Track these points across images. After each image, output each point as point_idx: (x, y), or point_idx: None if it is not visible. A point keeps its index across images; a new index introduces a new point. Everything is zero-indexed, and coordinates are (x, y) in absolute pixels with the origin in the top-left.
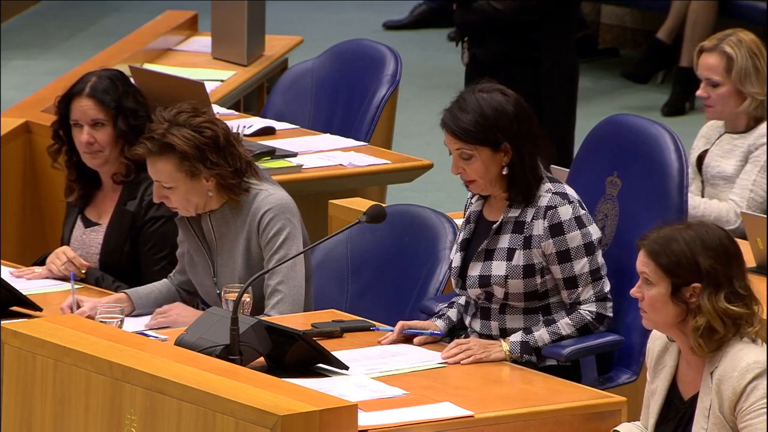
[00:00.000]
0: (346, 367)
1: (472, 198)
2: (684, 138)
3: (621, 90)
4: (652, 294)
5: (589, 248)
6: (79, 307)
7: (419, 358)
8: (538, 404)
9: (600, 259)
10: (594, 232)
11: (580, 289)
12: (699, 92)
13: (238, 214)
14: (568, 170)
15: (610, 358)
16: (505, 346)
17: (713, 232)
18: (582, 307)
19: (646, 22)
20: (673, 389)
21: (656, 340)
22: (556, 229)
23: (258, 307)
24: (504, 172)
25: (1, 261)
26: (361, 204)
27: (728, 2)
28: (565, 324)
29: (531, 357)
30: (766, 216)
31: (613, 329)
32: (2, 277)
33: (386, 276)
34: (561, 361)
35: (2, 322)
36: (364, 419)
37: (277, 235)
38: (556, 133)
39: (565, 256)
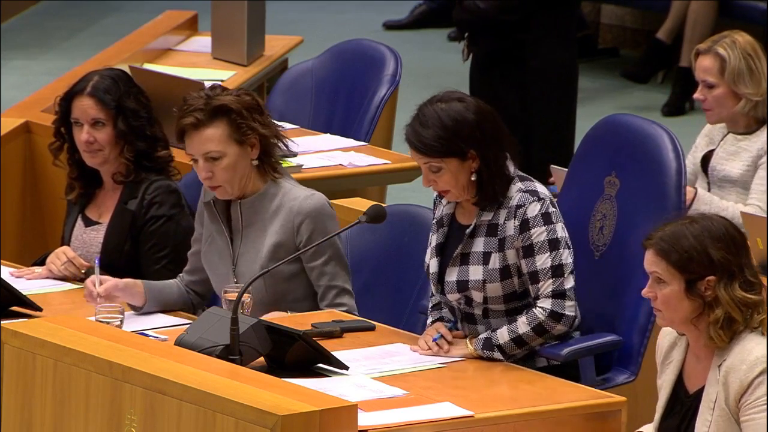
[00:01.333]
0: (346, 367)
1: (441, 198)
2: (684, 138)
3: (621, 90)
4: (666, 293)
5: (552, 244)
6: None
7: (419, 358)
8: (538, 404)
9: (566, 258)
10: (561, 230)
11: (540, 284)
12: (696, 95)
13: (270, 205)
14: (566, 170)
15: (609, 359)
16: (469, 345)
17: (718, 223)
18: (537, 303)
19: (646, 22)
20: (679, 383)
21: (666, 335)
22: (524, 225)
23: (275, 303)
24: (473, 178)
25: (1, 261)
26: (361, 204)
27: (728, 2)
28: (521, 322)
29: (493, 353)
30: (766, 216)
31: (612, 329)
32: (2, 277)
33: (386, 276)
34: (554, 362)
35: (2, 322)
36: (364, 419)
37: (324, 242)
38: (548, 135)
39: (529, 251)
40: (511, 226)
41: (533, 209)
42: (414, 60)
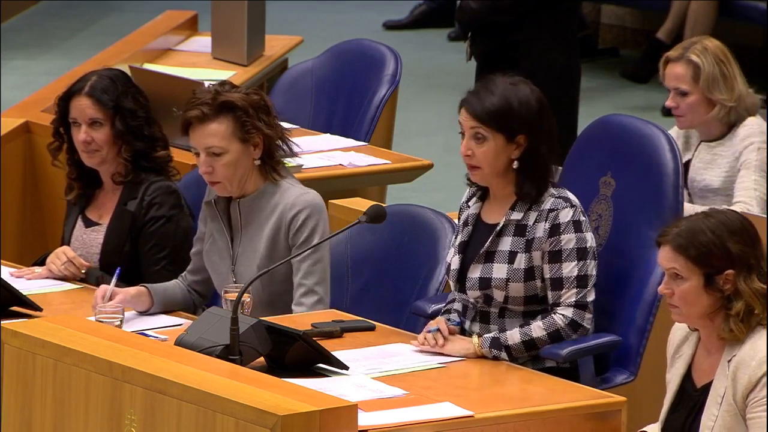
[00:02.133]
0: (346, 367)
1: (468, 201)
2: None
3: (621, 90)
4: (685, 288)
5: (581, 253)
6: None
7: (419, 358)
8: (538, 404)
9: (591, 269)
10: (590, 239)
11: (563, 291)
12: (668, 102)
13: (267, 205)
14: (560, 168)
15: (607, 359)
16: (476, 340)
17: (733, 216)
18: (558, 310)
19: (646, 22)
20: (687, 378)
21: (677, 330)
22: (554, 230)
23: (272, 303)
24: (514, 166)
25: (1, 261)
26: (361, 204)
27: (728, 2)
28: (536, 326)
29: (500, 353)
30: (766, 216)
31: (610, 329)
32: (2, 277)
33: (386, 276)
34: (559, 362)
35: (2, 322)
36: (364, 419)
37: (312, 236)
38: None
39: (556, 256)
40: (541, 229)
41: (565, 215)
42: (414, 60)
